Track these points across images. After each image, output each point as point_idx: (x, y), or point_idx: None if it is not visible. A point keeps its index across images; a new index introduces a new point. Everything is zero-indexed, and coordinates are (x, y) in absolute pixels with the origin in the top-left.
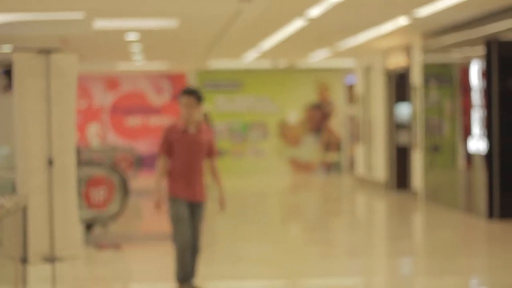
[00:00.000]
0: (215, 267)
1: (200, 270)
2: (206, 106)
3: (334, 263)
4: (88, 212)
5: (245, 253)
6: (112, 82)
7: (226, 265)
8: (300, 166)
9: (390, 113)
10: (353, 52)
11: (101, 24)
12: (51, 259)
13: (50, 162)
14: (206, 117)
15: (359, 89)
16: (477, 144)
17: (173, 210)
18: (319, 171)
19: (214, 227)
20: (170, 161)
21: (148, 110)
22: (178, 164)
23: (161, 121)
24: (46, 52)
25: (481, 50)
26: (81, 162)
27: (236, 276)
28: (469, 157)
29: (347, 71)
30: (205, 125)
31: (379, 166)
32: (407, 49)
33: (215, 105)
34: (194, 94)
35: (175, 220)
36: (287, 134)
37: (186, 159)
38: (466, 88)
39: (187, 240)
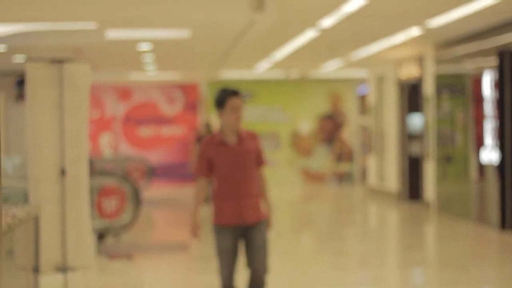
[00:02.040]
0: None
1: (209, 280)
2: (211, 117)
3: (346, 273)
4: (100, 222)
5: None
6: (124, 92)
7: (239, 275)
8: (312, 176)
9: (403, 123)
10: (366, 62)
11: (114, 34)
12: (63, 268)
13: (63, 172)
14: (208, 128)
15: (371, 99)
16: (490, 154)
17: (217, 242)
18: (331, 182)
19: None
20: (214, 182)
21: (160, 120)
22: (222, 183)
23: (173, 131)
24: (59, 62)
25: (493, 60)
26: (94, 172)
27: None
28: (482, 167)
29: (360, 81)
30: (247, 131)
31: (391, 177)
32: (420, 60)
33: None
34: (241, 95)
35: (219, 253)
36: (299, 144)
37: (230, 177)
38: (478, 98)
39: (226, 276)
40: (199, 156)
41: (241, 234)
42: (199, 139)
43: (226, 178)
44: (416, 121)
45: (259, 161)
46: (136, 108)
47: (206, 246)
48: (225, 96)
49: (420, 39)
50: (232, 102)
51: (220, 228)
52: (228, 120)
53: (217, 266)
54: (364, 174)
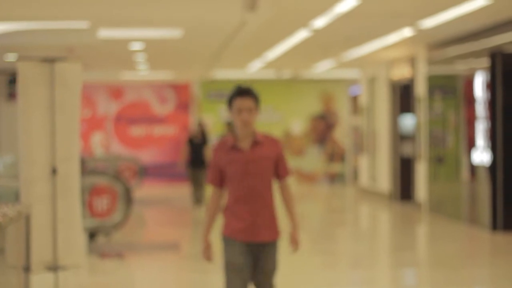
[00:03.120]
0: (216, 277)
1: (200, 279)
2: (203, 117)
3: (337, 273)
4: (91, 221)
5: None
6: (116, 92)
7: None
8: (304, 177)
9: (394, 124)
10: (358, 63)
11: (105, 33)
12: (54, 267)
13: (54, 171)
14: (200, 127)
15: (363, 100)
16: (481, 156)
17: (225, 256)
18: (323, 182)
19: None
20: (227, 192)
21: (152, 119)
22: (233, 193)
23: (165, 131)
24: (50, 61)
25: (485, 62)
26: (85, 171)
27: None
28: (473, 168)
29: (352, 81)
30: (267, 135)
31: (383, 177)
32: (412, 61)
33: (219, 115)
34: (252, 95)
35: (227, 269)
36: (291, 145)
37: (242, 186)
38: (470, 99)
39: None
40: (210, 163)
41: (252, 252)
42: (191, 139)
43: (238, 188)
44: (408, 121)
45: (281, 171)
46: (128, 107)
47: (198, 246)
48: (232, 96)
49: (412, 40)
50: (238, 103)
51: (230, 239)
52: (236, 123)
53: (223, 285)
54: (356, 174)
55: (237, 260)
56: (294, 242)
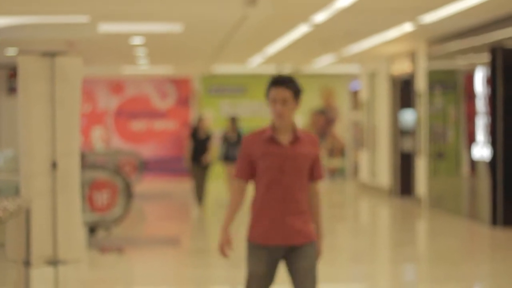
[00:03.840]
0: (216, 271)
1: (200, 274)
2: (206, 112)
3: (337, 268)
4: (91, 216)
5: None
6: (116, 86)
7: (228, 271)
8: None
9: (395, 119)
10: (358, 58)
11: (106, 28)
12: (54, 262)
13: (54, 165)
14: (201, 122)
15: (363, 95)
16: (481, 151)
17: (248, 264)
18: (323, 177)
19: (216, 232)
20: (255, 188)
21: (153, 114)
22: (264, 191)
23: (165, 126)
24: (51, 55)
25: (485, 57)
26: (85, 165)
27: (240, 281)
28: (473, 164)
29: (352, 77)
30: (306, 132)
31: (383, 172)
32: (412, 56)
33: (220, 110)
34: (289, 85)
35: (249, 278)
36: None
37: (276, 184)
38: (470, 95)
39: None
40: (240, 154)
41: (282, 255)
42: (193, 134)
43: (271, 184)
44: (408, 117)
45: (315, 173)
46: (128, 102)
47: (198, 241)
48: (268, 86)
49: (413, 35)
50: (273, 93)
51: (254, 247)
52: (271, 115)
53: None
54: (356, 169)
55: (261, 270)
56: (318, 251)
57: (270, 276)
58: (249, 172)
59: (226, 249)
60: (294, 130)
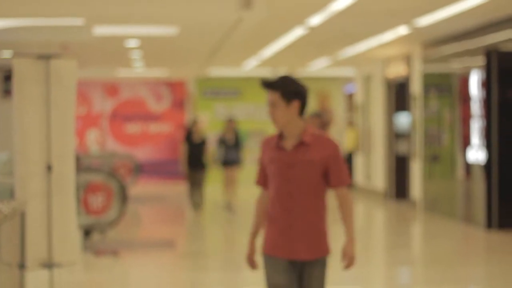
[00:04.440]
0: (211, 274)
1: (195, 277)
2: (201, 115)
3: (332, 271)
4: (86, 218)
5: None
6: (111, 89)
7: (224, 274)
8: None
9: (390, 122)
10: (353, 61)
11: (101, 30)
12: (49, 265)
13: (49, 168)
14: (195, 125)
15: (358, 98)
16: (476, 154)
17: (266, 276)
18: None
19: (215, 235)
20: (270, 196)
21: (148, 117)
22: (273, 200)
23: (161, 128)
24: (45, 57)
25: (481, 60)
26: (80, 168)
27: (235, 284)
28: (468, 167)
29: (347, 80)
30: (320, 135)
31: (378, 175)
32: (407, 59)
33: (215, 113)
34: (275, 86)
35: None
36: None
37: (280, 192)
38: (465, 98)
39: None
40: (259, 159)
41: (298, 268)
42: (187, 137)
43: (277, 193)
44: (403, 120)
45: (332, 179)
46: (124, 104)
47: (193, 244)
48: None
49: (408, 38)
50: (268, 96)
51: (268, 258)
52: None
53: None
54: (351, 172)
55: (277, 280)
56: (347, 256)
57: (289, 286)
58: (264, 179)
59: (253, 261)
60: (302, 134)
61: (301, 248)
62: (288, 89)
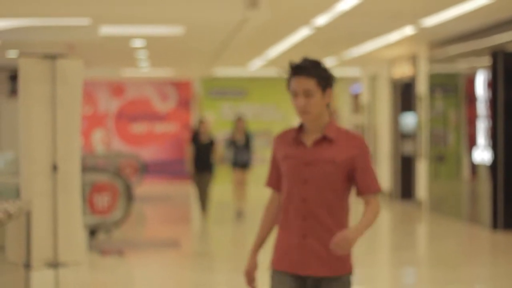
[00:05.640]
0: (216, 275)
1: (200, 277)
2: (207, 115)
3: None
4: (92, 218)
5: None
6: (117, 89)
7: (231, 274)
8: None
9: (395, 122)
10: (359, 61)
11: (107, 30)
12: (54, 264)
13: (55, 168)
14: (201, 125)
15: (364, 98)
16: (482, 154)
17: None
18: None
19: (217, 235)
20: (282, 200)
21: (153, 117)
22: (285, 205)
23: (166, 128)
24: (51, 57)
25: (487, 60)
26: (86, 168)
27: (241, 286)
28: (474, 167)
29: (353, 80)
30: (347, 131)
31: (384, 176)
32: (413, 59)
33: (221, 113)
34: (312, 71)
35: None
36: None
37: (295, 196)
38: (471, 98)
39: None
40: (271, 157)
41: (313, 285)
42: (194, 138)
43: (290, 196)
44: (409, 120)
45: (360, 184)
46: (129, 104)
47: (199, 244)
48: (288, 77)
49: (414, 39)
50: (293, 84)
51: (275, 273)
52: (295, 110)
53: None
54: None
55: None
56: (343, 235)
57: None
58: (276, 179)
59: (250, 278)
60: (326, 128)
61: (316, 262)
62: (325, 75)
